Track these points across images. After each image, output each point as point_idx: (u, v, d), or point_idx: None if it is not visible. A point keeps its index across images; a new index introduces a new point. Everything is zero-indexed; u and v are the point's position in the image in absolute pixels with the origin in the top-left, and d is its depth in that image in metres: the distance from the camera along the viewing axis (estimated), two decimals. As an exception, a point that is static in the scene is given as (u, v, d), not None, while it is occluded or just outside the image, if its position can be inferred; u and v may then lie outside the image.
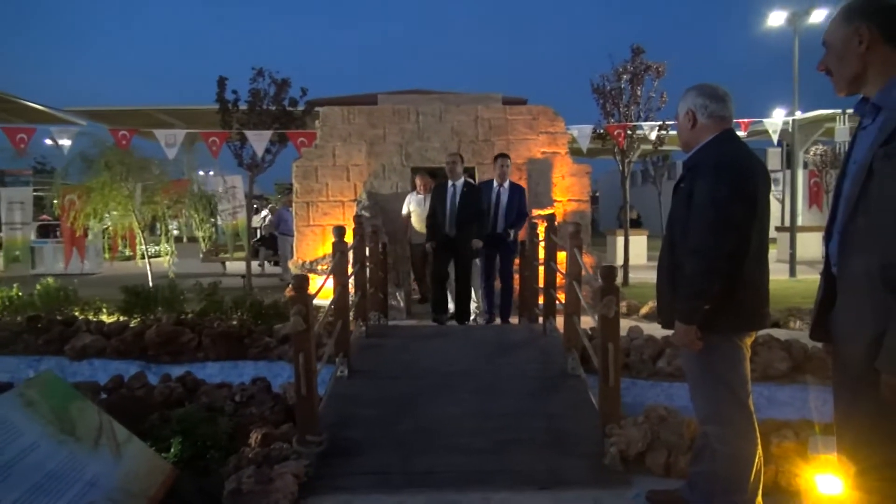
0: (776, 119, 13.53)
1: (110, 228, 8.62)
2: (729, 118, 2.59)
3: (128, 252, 10.79)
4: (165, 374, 4.24)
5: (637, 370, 5.34)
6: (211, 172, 14.51)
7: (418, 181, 7.91)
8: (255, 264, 11.14)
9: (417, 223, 7.89)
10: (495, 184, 7.07)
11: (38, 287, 6.92)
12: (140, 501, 2.60)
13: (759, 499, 2.63)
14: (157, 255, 11.47)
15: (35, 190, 14.24)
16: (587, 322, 4.36)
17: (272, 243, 13.02)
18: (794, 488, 2.97)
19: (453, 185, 6.71)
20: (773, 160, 31.58)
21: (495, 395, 4.07)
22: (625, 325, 6.15)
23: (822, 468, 2.89)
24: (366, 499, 3.03)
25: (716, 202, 2.38)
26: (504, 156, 7.21)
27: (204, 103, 14.14)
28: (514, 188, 7.17)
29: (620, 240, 12.52)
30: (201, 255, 10.65)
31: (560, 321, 5.01)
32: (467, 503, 2.98)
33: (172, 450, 3.24)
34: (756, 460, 2.60)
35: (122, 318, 6.60)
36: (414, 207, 7.84)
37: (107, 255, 10.21)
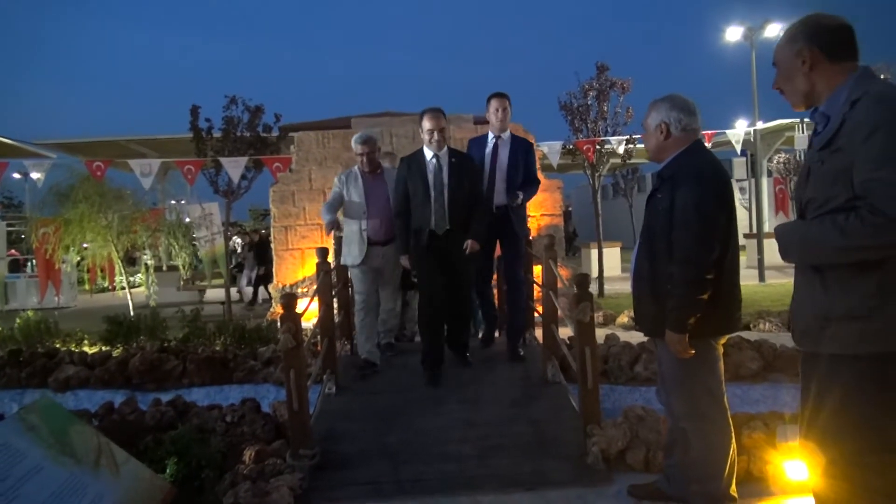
0: (738, 130, 13.99)
1: (88, 260, 8.62)
2: (699, 130, 2.74)
3: (105, 283, 10.74)
4: (156, 399, 4.30)
5: (615, 376, 5.52)
6: (183, 201, 14.54)
7: (361, 147, 4.93)
8: (233, 291, 11.18)
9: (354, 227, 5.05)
10: (490, 136, 5.03)
11: (17, 321, 6.91)
12: (142, 519, 2.68)
13: (734, 487, 2.79)
14: (136, 286, 11.47)
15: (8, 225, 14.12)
16: (566, 333, 4.52)
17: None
18: (765, 475, 3.15)
19: (435, 156, 4.51)
20: (739, 170, 32.36)
21: (479, 405, 4.20)
22: (602, 333, 6.33)
23: (790, 455, 3.08)
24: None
25: (701, 212, 2.50)
26: (502, 95, 5.04)
27: (176, 132, 14.24)
28: (518, 141, 5.10)
29: (595, 252, 12.79)
30: (182, 283, 10.66)
31: (539, 332, 5.17)
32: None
33: (168, 470, 3.31)
34: (731, 453, 2.77)
35: (104, 349, 6.62)
36: (352, 197, 4.95)
37: (86, 286, 10.16)
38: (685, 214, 2.53)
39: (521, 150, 5.03)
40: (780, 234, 1.97)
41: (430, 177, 4.49)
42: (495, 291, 5.88)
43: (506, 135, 5.01)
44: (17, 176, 18.49)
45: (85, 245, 9.18)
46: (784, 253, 1.97)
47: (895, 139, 1.69)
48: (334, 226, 4.77)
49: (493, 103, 4.99)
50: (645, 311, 2.79)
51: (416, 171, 4.52)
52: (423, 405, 4.22)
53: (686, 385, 2.73)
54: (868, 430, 1.83)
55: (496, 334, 5.70)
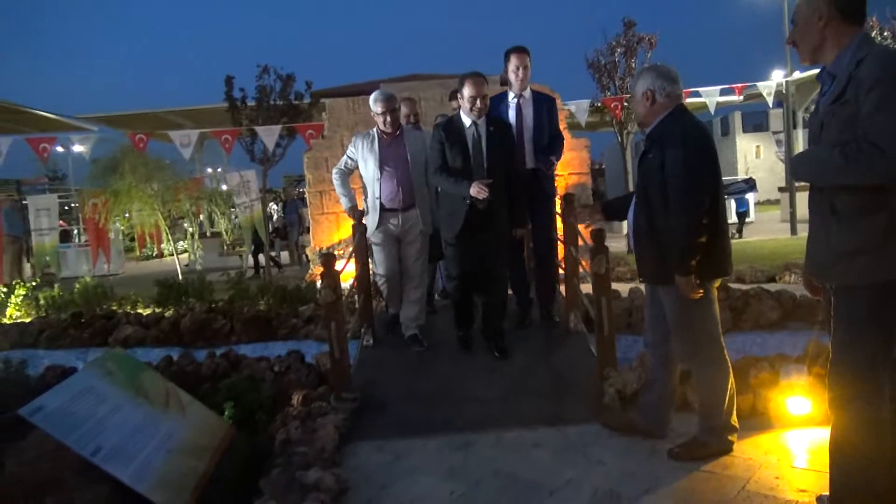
0: (773, 81, 13.79)
1: (137, 227, 9.12)
2: (681, 95, 2.99)
3: (153, 250, 11.31)
4: (210, 353, 4.71)
5: (639, 328, 5.77)
6: (219, 169, 14.96)
7: (382, 105, 4.58)
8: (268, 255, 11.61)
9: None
10: (511, 95, 4.84)
11: (77, 286, 7.43)
12: (208, 451, 3.07)
13: (734, 417, 3.06)
14: (182, 251, 12.01)
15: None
16: (588, 289, 4.72)
17: (285, 234, 13.53)
18: (768, 411, 3.40)
19: (474, 124, 4.26)
20: (775, 122, 31.66)
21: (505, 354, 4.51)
22: (627, 287, 6.59)
23: (792, 392, 3.32)
24: (395, 443, 3.48)
25: (689, 168, 2.77)
26: (521, 50, 4.78)
27: (210, 102, 14.60)
28: (541, 98, 4.88)
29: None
30: (224, 248, 11.15)
31: (563, 288, 5.43)
32: (483, 442, 3.43)
33: (226, 413, 3.69)
34: (730, 386, 3.03)
35: (156, 310, 7.10)
36: (367, 160, 4.68)
37: (136, 253, 10.70)
38: (675, 170, 2.79)
39: (546, 108, 4.87)
40: (795, 157, 2.28)
41: (470, 146, 4.24)
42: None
43: (527, 93, 4.84)
44: (60, 150, 19.19)
45: (126, 215, 9.62)
46: (795, 173, 2.29)
47: (893, 89, 1.97)
48: (353, 202, 4.71)
49: (513, 60, 4.75)
50: (647, 261, 3.04)
51: (455, 140, 4.24)
52: (452, 356, 4.55)
53: (689, 328, 2.98)
54: (868, 358, 2.13)
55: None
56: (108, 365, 3.08)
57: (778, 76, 16.53)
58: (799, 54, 2.34)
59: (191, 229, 9.60)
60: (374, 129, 4.73)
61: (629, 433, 3.33)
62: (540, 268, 5.16)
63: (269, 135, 10.46)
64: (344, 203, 4.86)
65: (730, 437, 3.06)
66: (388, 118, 4.61)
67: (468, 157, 4.24)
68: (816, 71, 2.33)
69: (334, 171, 4.89)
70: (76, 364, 6.35)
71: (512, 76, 4.79)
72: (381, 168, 4.62)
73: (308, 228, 10.71)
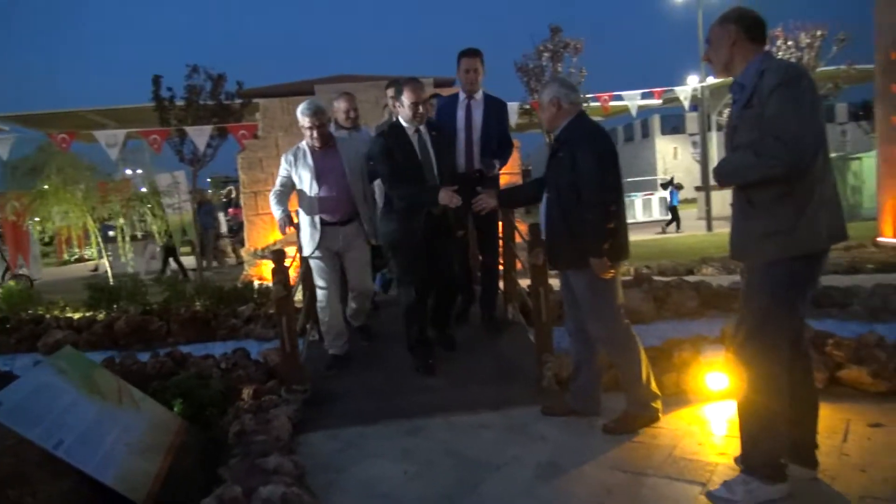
0: (688, 86, 14.60)
1: (63, 231, 8.84)
2: (581, 103, 3.45)
3: (73, 255, 10.93)
4: (154, 352, 4.70)
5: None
6: (139, 171, 14.57)
7: (309, 119, 4.37)
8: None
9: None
10: (461, 97, 4.85)
11: (0, 290, 7.15)
12: (164, 444, 3.12)
13: (654, 385, 3.42)
14: (100, 256, 11.67)
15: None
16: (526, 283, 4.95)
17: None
18: (690, 388, 3.73)
19: (417, 130, 4.22)
20: (692, 124, 33.24)
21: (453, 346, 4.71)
22: (558, 283, 6.91)
23: (711, 369, 3.66)
24: (347, 431, 3.62)
25: (603, 163, 3.19)
26: (473, 53, 4.82)
27: (134, 102, 14.20)
28: (492, 101, 4.88)
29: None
30: (157, 251, 10.89)
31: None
32: (433, 426, 3.61)
33: (176, 409, 3.73)
34: (643, 358, 3.39)
35: (87, 314, 6.93)
36: (302, 176, 4.51)
37: (55, 257, 10.32)
38: (589, 166, 3.17)
39: (496, 112, 4.85)
40: (717, 166, 2.63)
41: (419, 153, 4.18)
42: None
43: (479, 95, 4.82)
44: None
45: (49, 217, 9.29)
46: (719, 179, 2.63)
47: (788, 93, 2.35)
48: (288, 221, 4.30)
49: (464, 62, 4.77)
50: (561, 250, 3.37)
51: (401, 149, 4.14)
52: (399, 348, 4.70)
53: (600, 306, 3.32)
54: (778, 323, 2.50)
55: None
56: (60, 363, 3.10)
57: (693, 81, 17.47)
58: (713, 69, 2.77)
59: (125, 230, 9.33)
60: (304, 143, 4.48)
61: (567, 415, 3.59)
62: (485, 276, 5.10)
63: (199, 135, 10.33)
64: (278, 214, 4.35)
65: (654, 405, 3.39)
66: (316, 132, 4.35)
67: (418, 165, 4.16)
68: (729, 78, 2.68)
69: (271, 195, 4.49)
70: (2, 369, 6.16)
71: (463, 77, 4.81)
72: (319, 182, 4.38)
73: (219, 234, 10.53)
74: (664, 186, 19.10)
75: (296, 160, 4.45)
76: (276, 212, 4.35)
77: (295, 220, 4.49)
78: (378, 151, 4.21)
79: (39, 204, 8.46)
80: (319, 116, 4.37)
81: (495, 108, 4.88)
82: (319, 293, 4.53)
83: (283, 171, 4.49)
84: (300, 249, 4.76)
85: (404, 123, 4.21)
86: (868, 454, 2.87)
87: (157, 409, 3.40)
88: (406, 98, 4.13)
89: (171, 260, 11.42)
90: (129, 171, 16.60)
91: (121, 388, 3.31)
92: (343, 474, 3.13)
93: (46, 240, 10.97)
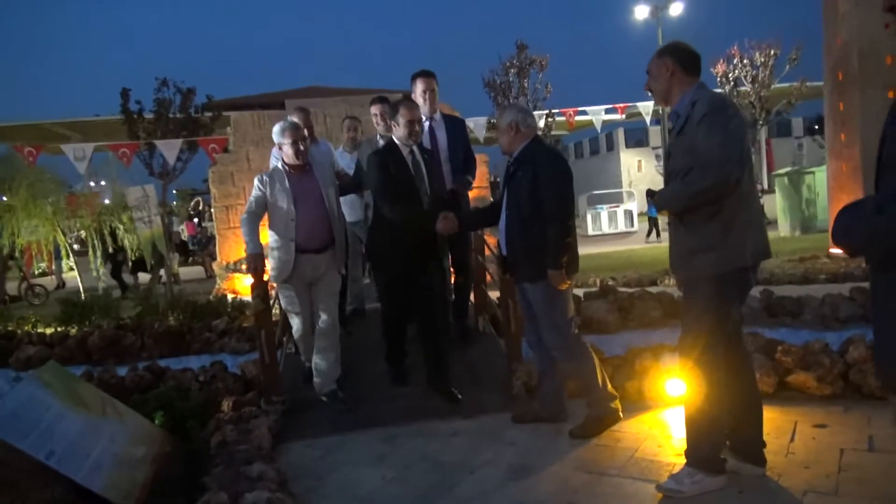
0: (649, 102, 15.06)
1: (32, 245, 8.78)
2: (536, 127, 3.69)
3: (41, 269, 10.83)
4: (133, 366, 4.77)
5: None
6: (103, 182, 14.43)
7: (289, 136, 4.23)
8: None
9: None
10: (404, 150, 4.44)
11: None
12: (149, 454, 3.23)
13: (610, 387, 3.66)
14: (70, 269, 11.56)
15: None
16: (496, 295, 5.15)
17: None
18: (651, 394, 3.95)
19: (411, 149, 4.24)
20: (655, 138, 34.00)
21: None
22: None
23: (670, 376, 3.89)
24: (326, 440, 3.76)
25: (565, 180, 3.46)
26: (428, 74, 4.89)
27: (97, 111, 14.14)
28: (451, 120, 5.03)
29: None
30: (129, 266, 10.81)
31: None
32: (407, 434, 3.77)
33: (157, 422, 3.83)
34: (596, 361, 3.62)
35: (59, 329, 6.92)
36: (277, 200, 4.26)
37: (38, 269, 10.20)
38: (551, 183, 3.42)
39: (458, 130, 4.98)
40: (657, 197, 2.90)
41: (413, 174, 4.18)
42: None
43: (437, 116, 4.90)
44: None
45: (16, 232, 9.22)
46: (659, 207, 2.94)
47: (715, 121, 2.60)
48: (260, 262, 4.11)
49: (420, 84, 4.80)
50: (520, 263, 3.59)
51: (398, 168, 4.14)
52: (374, 357, 4.85)
53: (554, 318, 3.54)
54: (709, 333, 2.74)
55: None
56: (45, 377, 3.18)
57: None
58: (654, 98, 3.05)
59: (96, 245, 9.29)
60: (280, 164, 4.31)
61: (536, 421, 3.77)
62: (457, 289, 5.17)
63: (169, 149, 10.34)
64: (250, 248, 4.13)
65: (613, 406, 3.61)
66: (300, 146, 4.20)
67: (413, 184, 4.14)
68: None
69: (243, 216, 4.27)
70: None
71: (419, 99, 4.79)
72: (296, 206, 4.17)
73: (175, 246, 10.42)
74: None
75: (272, 182, 4.23)
76: (249, 243, 4.12)
77: (265, 243, 4.27)
78: (374, 168, 4.17)
79: (9, 218, 8.42)
80: (298, 131, 4.25)
81: (457, 126, 5.00)
82: (295, 322, 4.35)
83: (256, 191, 4.26)
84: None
85: (398, 142, 4.20)
86: (812, 452, 3.11)
87: (139, 421, 3.50)
88: (402, 117, 4.13)
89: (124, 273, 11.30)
90: (91, 184, 16.40)
91: (104, 400, 3.40)
92: (323, 480, 3.27)
93: (15, 255, 10.86)
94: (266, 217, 4.27)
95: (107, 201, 11.00)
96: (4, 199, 9.49)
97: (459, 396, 4.17)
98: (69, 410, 3.05)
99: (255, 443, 3.45)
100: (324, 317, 4.29)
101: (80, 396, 3.25)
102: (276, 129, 4.30)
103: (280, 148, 4.26)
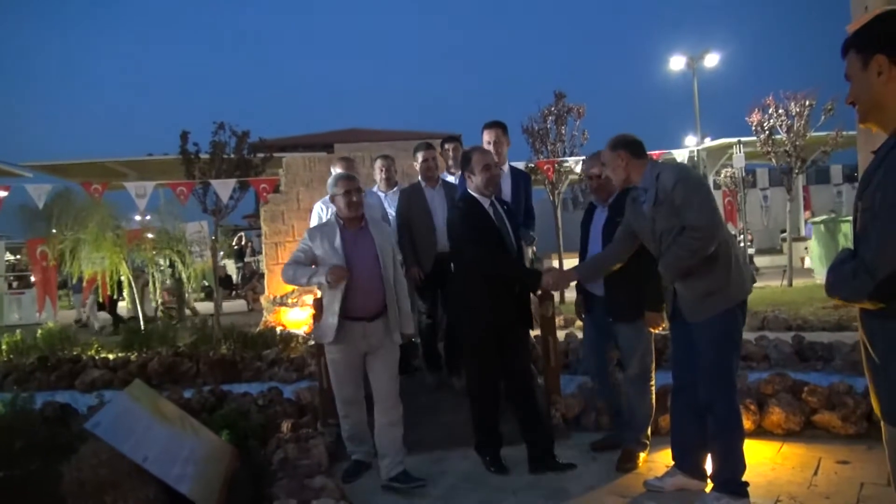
0: (685, 148, 15.35)
1: (98, 275, 9.37)
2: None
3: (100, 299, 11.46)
4: (199, 389, 5.17)
5: (574, 368, 6.54)
6: (148, 217, 15.17)
7: (343, 185, 3.85)
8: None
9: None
10: (485, 202, 4.16)
11: (39, 332, 7.64)
12: (222, 468, 3.58)
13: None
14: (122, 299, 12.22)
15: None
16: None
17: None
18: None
19: (492, 204, 3.93)
20: (690, 183, 34.02)
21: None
22: (562, 333, 7.39)
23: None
24: (376, 460, 4.06)
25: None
26: (496, 125, 4.72)
27: (149, 152, 14.94)
28: (518, 174, 4.81)
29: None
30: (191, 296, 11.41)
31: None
32: (452, 458, 4.07)
33: (224, 438, 4.19)
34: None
35: (121, 354, 7.39)
36: (329, 258, 3.84)
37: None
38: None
39: (523, 183, 4.79)
40: (661, 269, 3.23)
41: (499, 226, 3.84)
42: None
43: (505, 168, 4.64)
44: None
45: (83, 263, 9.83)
46: (665, 277, 3.26)
47: (689, 188, 3.08)
48: (317, 273, 3.76)
49: (486, 135, 4.64)
50: (620, 304, 3.79)
51: (483, 221, 3.80)
52: (420, 387, 5.15)
53: (643, 355, 3.83)
54: (732, 360, 3.13)
55: None
56: (134, 392, 3.58)
57: (691, 143, 18.28)
58: (615, 183, 3.53)
59: (156, 276, 9.90)
60: (333, 218, 3.97)
61: (614, 448, 3.98)
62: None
63: (224, 188, 10.93)
64: (313, 279, 3.80)
65: (645, 439, 3.89)
66: (353, 198, 3.81)
67: (501, 241, 3.81)
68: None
69: (286, 266, 3.98)
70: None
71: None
72: (350, 266, 3.74)
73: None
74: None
75: (322, 235, 3.83)
76: (302, 279, 3.82)
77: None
78: (461, 217, 3.84)
79: (79, 250, 9.05)
80: (350, 181, 3.87)
81: (522, 180, 4.83)
82: (339, 394, 3.91)
83: (303, 244, 3.88)
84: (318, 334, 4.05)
85: (475, 195, 3.86)
86: (833, 485, 3.33)
87: (211, 436, 3.86)
88: (476, 164, 3.80)
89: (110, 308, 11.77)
90: (137, 217, 17.14)
91: (182, 416, 3.78)
92: (377, 496, 3.58)
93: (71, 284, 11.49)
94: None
95: (150, 235, 11.60)
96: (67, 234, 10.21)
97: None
98: (156, 422, 3.43)
99: (315, 460, 3.78)
100: (383, 394, 3.84)
101: (162, 411, 3.63)
102: (330, 180, 4.01)
103: (333, 200, 3.94)
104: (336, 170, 4.85)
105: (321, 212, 5.28)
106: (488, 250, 3.75)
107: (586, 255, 4.02)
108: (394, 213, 5.13)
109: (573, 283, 4.06)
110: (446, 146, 5.09)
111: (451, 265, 4.18)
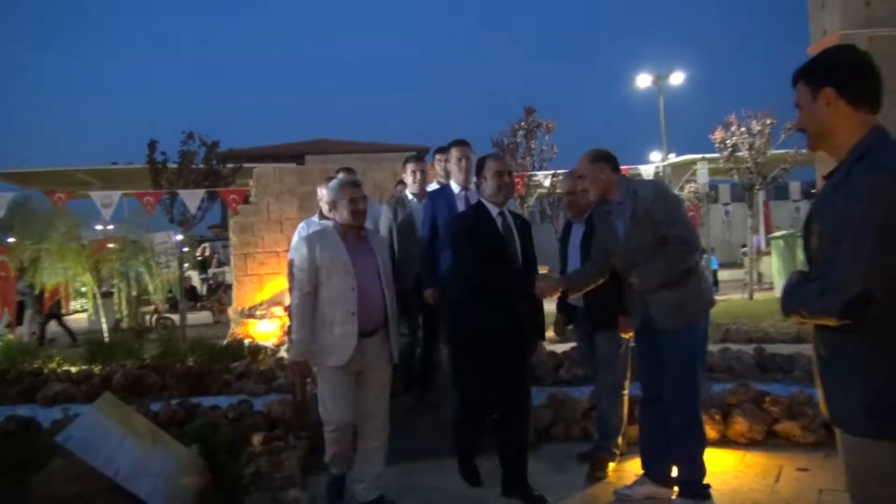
0: (651, 164, 15.70)
1: (48, 285, 9.20)
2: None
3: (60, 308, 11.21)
4: (167, 402, 5.10)
5: (542, 379, 6.62)
6: (111, 227, 14.98)
7: (348, 192, 3.58)
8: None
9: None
10: (456, 188, 4.62)
11: (-1, 343, 7.46)
12: (194, 482, 3.56)
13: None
14: (83, 310, 11.98)
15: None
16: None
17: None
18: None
19: (501, 213, 3.74)
20: (655, 197, 34.66)
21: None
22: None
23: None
24: (349, 475, 4.07)
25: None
26: (464, 143, 4.65)
27: (118, 162, 14.74)
28: (519, 219, 3.98)
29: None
30: (153, 308, 11.21)
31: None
32: (423, 469, 4.12)
33: (195, 452, 4.15)
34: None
35: (83, 367, 7.24)
36: (333, 269, 3.56)
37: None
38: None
39: (526, 229, 4.45)
40: (641, 283, 3.36)
41: (504, 236, 3.67)
42: None
43: (472, 186, 4.49)
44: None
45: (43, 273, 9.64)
46: (646, 288, 3.35)
47: (668, 204, 3.31)
48: (308, 345, 3.51)
49: (455, 152, 4.58)
50: (599, 312, 3.91)
51: (486, 232, 3.62)
52: (394, 398, 5.15)
53: (618, 365, 3.96)
54: (701, 365, 3.35)
55: None
56: (104, 406, 3.54)
57: (656, 158, 18.68)
58: (591, 196, 3.55)
59: (121, 287, 9.72)
60: (332, 224, 3.71)
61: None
62: None
63: (192, 198, 10.85)
64: (302, 343, 3.53)
65: (615, 448, 3.99)
66: (359, 206, 3.56)
67: (503, 252, 3.63)
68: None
69: (296, 295, 3.60)
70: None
71: (454, 167, 4.59)
72: (356, 277, 3.49)
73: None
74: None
75: (322, 245, 3.51)
76: (300, 339, 3.51)
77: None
78: (459, 231, 3.73)
79: (42, 260, 8.86)
80: (355, 188, 3.59)
81: (525, 226, 4.41)
82: (332, 413, 3.57)
83: (300, 260, 3.53)
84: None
85: (487, 206, 3.71)
86: (794, 492, 3.46)
87: (183, 450, 3.83)
88: (489, 170, 3.65)
89: (54, 322, 11.55)
90: (99, 227, 16.86)
91: (153, 430, 3.75)
92: (351, 511, 3.58)
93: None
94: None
95: (111, 245, 11.40)
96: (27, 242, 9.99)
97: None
98: (126, 436, 3.40)
99: (287, 473, 3.77)
100: (373, 415, 3.68)
101: (133, 425, 3.59)
102: (333, 184, 3.75)
103: (334, 207, 3.66)
104: (323, 190, 4.69)
105: (303, 232, 4.80)
106: (478, 256, 3.56)
107: (566, 272, 4.18)
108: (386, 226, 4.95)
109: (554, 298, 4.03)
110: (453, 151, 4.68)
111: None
